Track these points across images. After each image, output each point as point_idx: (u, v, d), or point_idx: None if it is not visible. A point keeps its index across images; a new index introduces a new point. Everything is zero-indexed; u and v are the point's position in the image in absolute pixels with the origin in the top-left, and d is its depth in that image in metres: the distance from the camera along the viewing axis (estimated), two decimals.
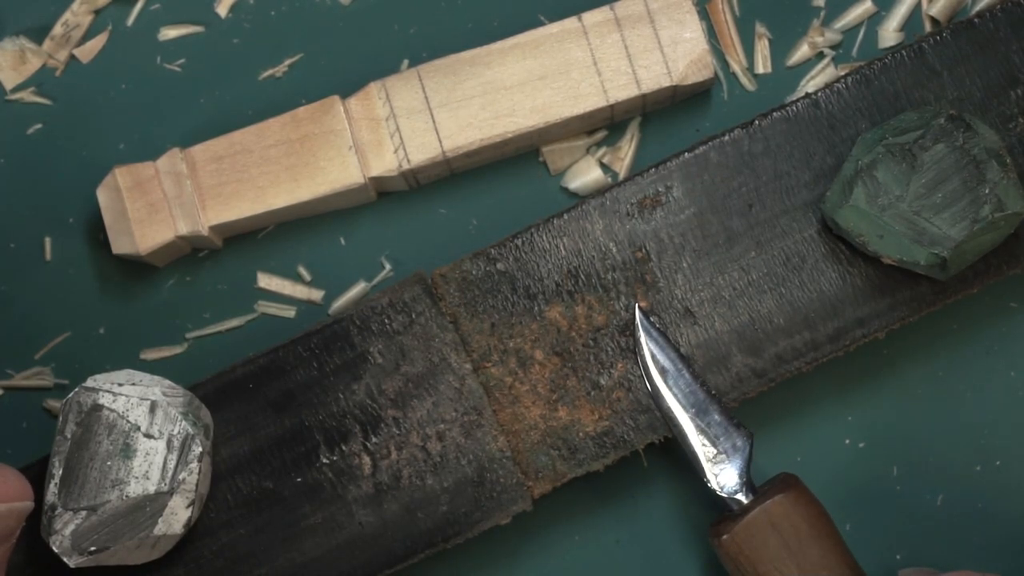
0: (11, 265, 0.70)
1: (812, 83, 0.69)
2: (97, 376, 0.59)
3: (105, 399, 0.58)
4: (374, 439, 0.61)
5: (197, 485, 0.59)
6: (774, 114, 0.64)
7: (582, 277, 0.62)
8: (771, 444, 0.67)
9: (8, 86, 0.71)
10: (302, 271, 0.69)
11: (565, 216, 0.63)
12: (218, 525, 0.61)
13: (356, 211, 0.70)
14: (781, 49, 0.70)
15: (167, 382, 0.60)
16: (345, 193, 0.67)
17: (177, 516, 0.58)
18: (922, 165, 0.59)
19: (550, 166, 0.69)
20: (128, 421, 0.58)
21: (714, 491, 0.61)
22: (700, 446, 0.61)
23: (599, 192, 0.63)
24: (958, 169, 0.59)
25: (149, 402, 0.59)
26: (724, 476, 0.60)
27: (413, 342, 0.62)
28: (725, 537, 0.60)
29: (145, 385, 0.60)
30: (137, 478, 0.58)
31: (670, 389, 0.61)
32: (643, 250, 0.63)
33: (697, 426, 0.61)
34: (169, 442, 0.58)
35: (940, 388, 0.67)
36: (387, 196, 0.69)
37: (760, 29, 0.70)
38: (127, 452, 0.58)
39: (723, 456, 0.61)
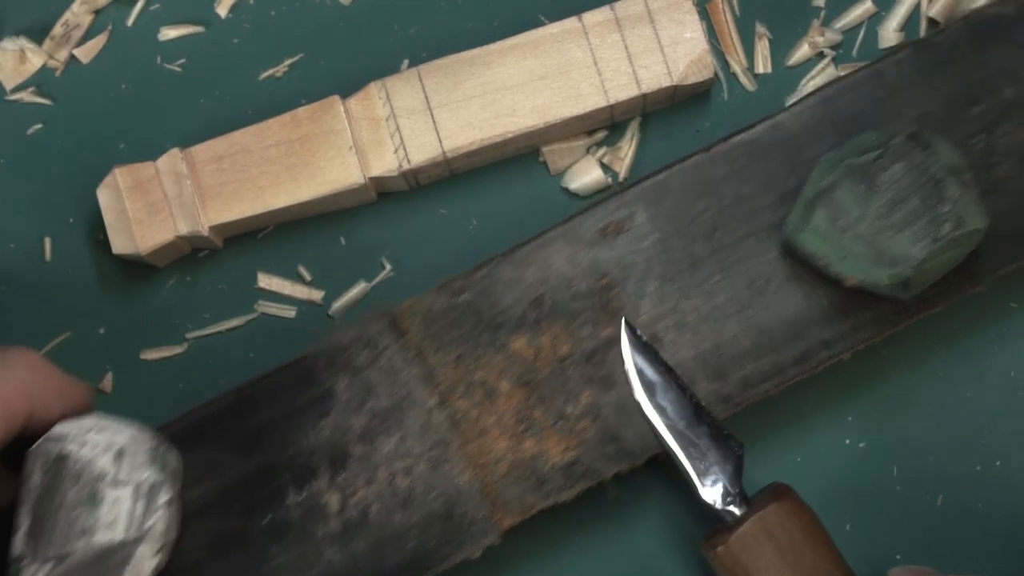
0: (11, 265, 0.70)
1: (812, 83, 0.69)
2: (63, 424, 0.58)
3: (71, 447, 0.58)
4: (342, 475, 0.61)
5: (165, 532, 0.58)
6: (735, 138, 0.63)
7: (547, 306, 0.62)
8: (771, 445, 0.67)
9: (8, 86, 0.71)
10: (302, 271, 0.69)
11: (529, 245, 0.63)
12: (187, 567, 0.60)
13: (356, 211, 0.70)
14: (781, 49, 0.70)
15: (134, 427, 0.59)
16: (345, 193, 0.67)
17: (144, 564, 0.57)
18: (881, 185, 0.59)
19: (550, 166, 0.69)
20: (94, 469, 0.57)
21: (707, 504, 0.60)
22: (690, 459, 0.60)
23: (562, 220, 0.63)
24: (917, 188, 0.59)
25: (115, 449, 0.58)
26: (716, 488, 0.60)
27: (379, 377, 0.61)
28: (720, 549, 0.59)
29: (112, 431, 0.59)
30: (104, 526, 0.57)
31: (658, 403, 0.61)
32: (607, 277, 0.62)
33: (687, 439, 0.60)
34: (136, 489, 0.58)
35: (940, 388, 0.67)
36: (387, 196, 0.69)
37: (760, 29, 0.70)
38: (94, 500, 0.57)
39: (714, 468, 0.60)
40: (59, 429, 0.58)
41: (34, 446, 0.58)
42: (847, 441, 0.67)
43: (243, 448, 0.61)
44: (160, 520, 0.58)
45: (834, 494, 0.66)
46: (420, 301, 0.62)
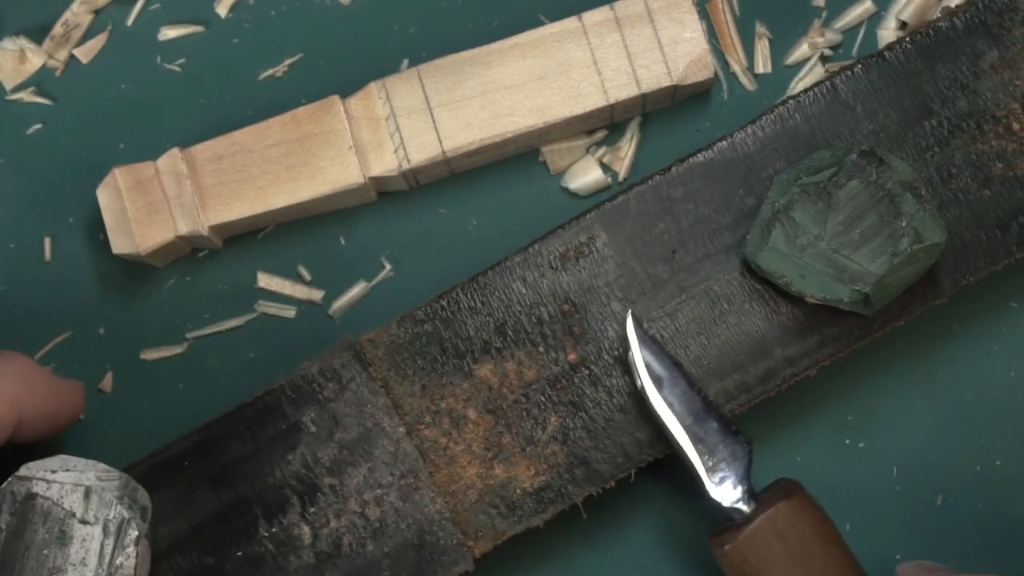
0: (11, 265, 0.70)
1: (801, 84, 0.69)
2: (30, 464, 0.58)
3: (39, 487, 0.57)
4: (312, 508, 0.61)
5: (135, 570, 0.58)
6: (691, 159, 0.63)
7: (510, 333, 0.62)
8: (770, 444, 0.67)
9: (8, 86, 0.71)
10: (302, 271, 0.69)
11: (488, 273, 0.63)
12: None
13: (356, 211, 0.70)
14: (781, 49, 0.70)
15: (101, 466, 0.59)
16: (345, 193, 0.67)
17: None
18: (838, 203, 0.59)
19: (550, 166, 0.69)
20: (63, 508, 0.57)
21: (715, 501, 0.60)
22: (698, 456, 0.60)
23: (521, 247, 0.63)
24: (873, 204, 0.59)
25: (84, 488, 0.58)
26: (725, 486, 0.60)
27: (345, 409, 0.61)
28: (728, 547, 0.59)
29: (79, 470, 0.58)
30: (74, 565, 0.57)
31: (665, 399, 0.60)
32: (569, 302, 0.62)
33: (695, 435, 0.60)
34: (105, 527, 0.57)
35: (940, 388, 0.67)
36: (387, 196, 0.69)
37: (760, 29, 0.70)
38: (63, 539, 0.57)
39: (723, 465, 0.60)
40: (25, 470, 0.58)
41: (1, 486, 0.58)
42: (847, 441, 0.67)
43: (212, 484, 0.61)
44: (130, 558, 0.57)
45: (834, 494, 0.65)
46: (383, 332, 0.62)
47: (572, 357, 0.62)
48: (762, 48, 0.70)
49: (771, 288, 0.62)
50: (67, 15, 0.72)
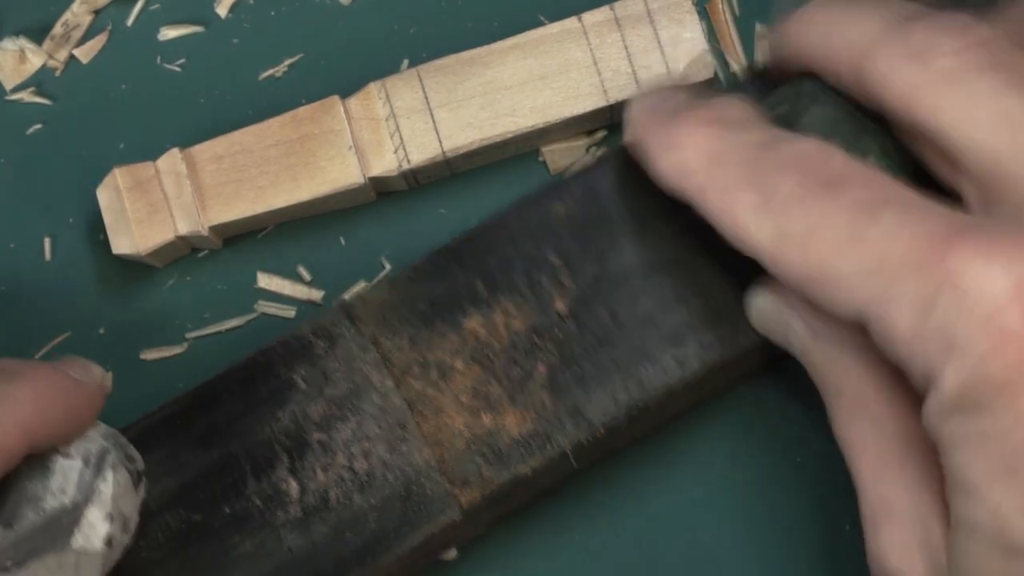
0: (11, 265, 0.70)
1: None
2: None
3: None
4: (300, 463, 0.60)
5: (114, 498, 0.57)
6: None
7: (500, 286, 0.62)
8: (770, 444, 0.67)
9: (8, 86, 0.71)
10: (302, 271, 0.70)
11: (480, 230, 0.63)
12: (148, 563, 0.60)
13: (356, 211, 0.70)
14: None
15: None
16: (345, 193, 0.67)
17: (95, 529, 0.57)
18: (803, 129, 0.58)
19: (550, 166, 0.69)
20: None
21: None
22: None
23: (515, 205, 0.63)
24: (836, 126, 0.58)
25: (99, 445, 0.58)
26: None
27: (335, 365, 0.61)
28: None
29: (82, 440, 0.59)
30: (54, 494, 0.57)
31: None
32: (559, 254, 0.62)
33: None
34: (86, 459, 0.57)
35: None
36: (387, 196, 0.69)
37: (760, 29, 0.70)
38: (45, 473, 0.57)
39: None
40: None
41: None
42: None
43: (203, 443, 0.61)
44: (108, 483, 0.57)
45: (834, 494, 0.66)
46: (375, 291, 0.62)
47: (560, 307, 0.62)
48: (762, 48, 0.70)
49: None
50: (67, 15, 0.72)
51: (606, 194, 0.63)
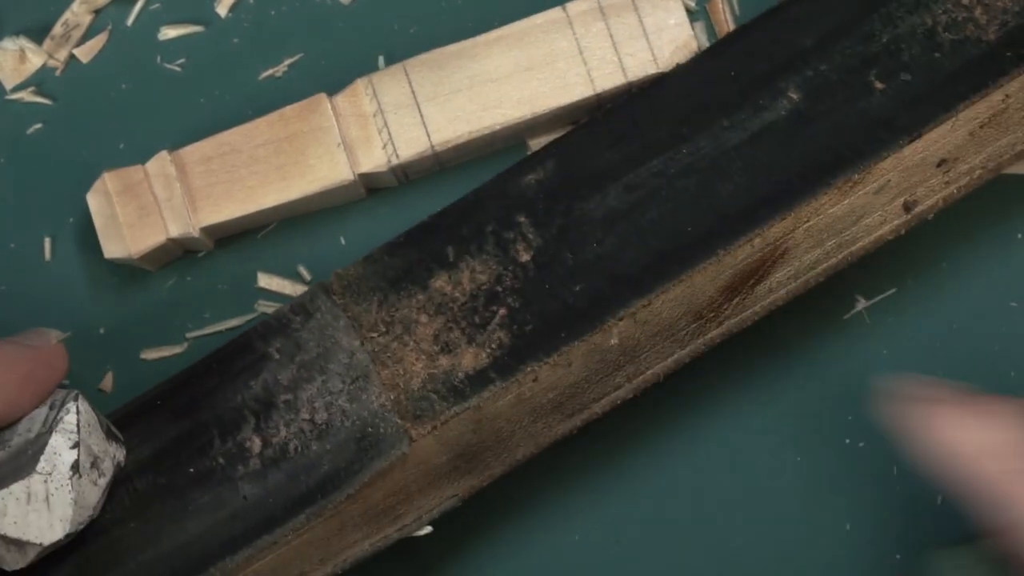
0: (11, 265, 0.70)
1: None
2: None
3: None
4: (265, 423, 0.61)
5: (80, 427, 0.58)
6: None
7: (470, 249, 0.62)
8: (770, 443, 0.66)
9: (8, 86, 0.72)
10: (302, 271, 0.69)
11: (454, 203, 0.63)
12: (110, 524, 0.61)
13: (356, 211, 0.69)
14: None
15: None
16: (335, 190, 0.66)
17: (61, 457, 0.57)
18: None
19: None
20: None
21: None
22: None
23: (494, 179, 0.63)
24: None
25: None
26: None
27: (308, 335, 0.62)
28: None
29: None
30: (20, 433, 0.58)
31: None
32: (525, 213, 0.62)
33: None
34: (52, 404, 0.59)
35: None
36: (378, 193, 0.69)
37: None
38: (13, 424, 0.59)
39: None
40: None
41: None
42: (847, 441, 0.65)
43: (177, 414, 0.62)
44: (71, 413, 0.58)
45: (834, 494, 0.65)
46: (353, 267, 0.63)
47: (524, 258, 0.62)
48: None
49: (715, 169, 0.61)
50: (67, 15, 0.72)
51: (576, 160, 0.63)
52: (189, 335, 0.69)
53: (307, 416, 0.61)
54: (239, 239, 0.69)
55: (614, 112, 0.63)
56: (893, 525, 0.65)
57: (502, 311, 0.61)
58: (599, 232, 0.62)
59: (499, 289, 0.61)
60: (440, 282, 0.62)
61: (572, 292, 0.61)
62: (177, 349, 0.69)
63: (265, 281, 0.69)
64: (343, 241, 0.69)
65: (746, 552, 0.65)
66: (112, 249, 0.66)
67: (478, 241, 0.62)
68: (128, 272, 0.69)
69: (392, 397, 0.60)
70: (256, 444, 0.61)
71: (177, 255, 0.69)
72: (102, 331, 0.69)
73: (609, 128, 0.63)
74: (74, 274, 0.70)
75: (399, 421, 0.60)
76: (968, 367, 0.66)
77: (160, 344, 0.69)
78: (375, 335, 0.61)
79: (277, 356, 0.62)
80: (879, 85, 0.61)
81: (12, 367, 0.58)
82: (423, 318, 0.61)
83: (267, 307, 0.69)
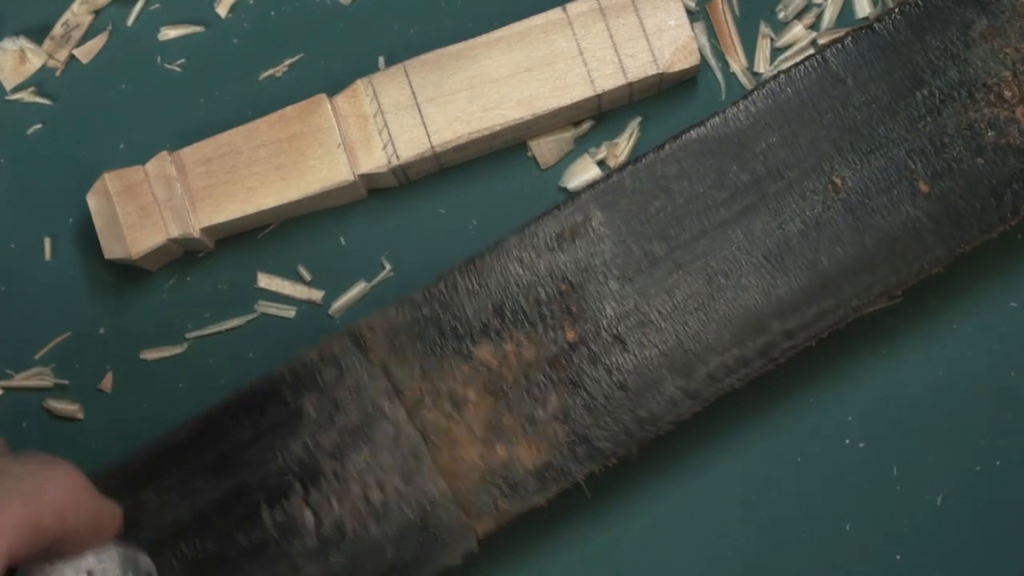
0: (11, 265, 0.70)
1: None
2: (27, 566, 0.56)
3: None
4: (315, 493, 0.60)
5: None
6: (684, 136, 0.62)
7: (508, 314, 0.61)
8: (770, 443, 0.66)
9: (8, 86, 0.72)
10: (302, 271, 0.69)
11: (486, 256, 0.62)
12: None
13: (356, 211, 0.69)
14: (780, 49, 0.69)
15: (96, 549, 0.57)
16: (335, 191, 0.66)
17: None
18: None
19: (539, 159, 0.68)
20: None
21: None
22: None
23: (517, 228, 0.62)
24: None
25: (86, 570, 0.56)
26: None
27: (345, 393, 0.61)
28: None
29: (75, 558, 0.56)
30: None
31: None
32: (567, 282, 0.62)
33: None
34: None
35: (940, 388, 0.66)
36: (379, 194, 0.69)
37: (764, 29, 0.69)
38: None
39: None
40: (23, 572, 0.55)
41: None
42: (847, 441, 0.66)
43: (214, 471, 0.61)
44: None
45: (834, 494, 0.65)
46: (381, 316, 0.62)
47: (571, 336, 0.61)
48: (763, 48, 0.69)
49: (768, 262, 0.61)
50: (67, 15, 0.72)
51: (602, 218, 0.62)
52: (189, 335, 0.69)
53: (359, 491, 0.60)
54: (239, 239, 0.69)
55: None
56: (893, 525, 0.65)
57: (554, 399, 0.61)
58: None
59: (549, 372, 0.61)
60: (484, 353, 0.61)
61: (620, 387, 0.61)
62: (177, 349, 0.69)
63: (265, 281, 0.69)
64: (343, 241, 0.69)
65: (746, 552, 0.65)
66: (112, 249, 0.66)
67: (516, 306, 0.62)
68: (128, 272, 0.69)
69: (451, 486, 0.60)
70: (308, 518, 0.60)
71: (177, 255, 0.69)
72: (102, 331, 0.69)
73: None
74: (74, 274, 0.70)
75: (463, 517, 0.60)
76: (968, 367, 0.66)
77: (160, 344, 0.69)
78: (423, 410, 0.61)
79: (313, 414, 0.61)
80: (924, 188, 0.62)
81: (96, 520, 0.55)
82: (471, 394, 0.61)
83: (267, 307, 0.69)
